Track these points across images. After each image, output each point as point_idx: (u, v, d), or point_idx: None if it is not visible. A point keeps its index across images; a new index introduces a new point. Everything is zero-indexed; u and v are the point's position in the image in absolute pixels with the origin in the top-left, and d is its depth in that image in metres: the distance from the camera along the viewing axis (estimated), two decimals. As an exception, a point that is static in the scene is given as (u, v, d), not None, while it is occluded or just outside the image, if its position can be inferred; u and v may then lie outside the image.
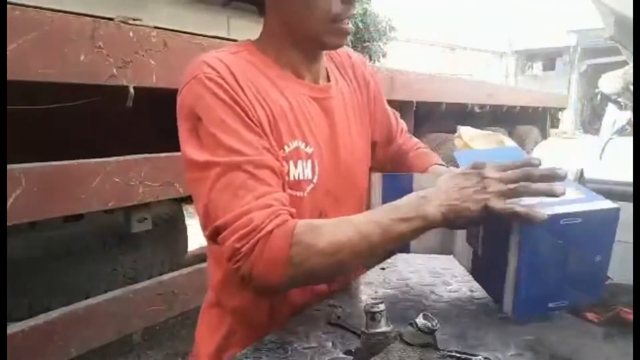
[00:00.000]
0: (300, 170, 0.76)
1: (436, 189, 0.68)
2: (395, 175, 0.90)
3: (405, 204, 0.67)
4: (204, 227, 0.69)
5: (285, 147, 0.74)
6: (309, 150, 0.77)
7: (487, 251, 0.75)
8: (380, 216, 0.67)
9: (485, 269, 0.76)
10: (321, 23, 0.73)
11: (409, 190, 0.73)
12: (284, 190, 0.71)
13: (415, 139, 1.07)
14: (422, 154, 1.02)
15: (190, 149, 0.69)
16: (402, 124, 1.06)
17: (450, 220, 0.66)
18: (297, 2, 0.73)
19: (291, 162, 0.75)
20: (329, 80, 0.86)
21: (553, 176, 0.64)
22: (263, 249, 0.63)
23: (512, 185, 0.64)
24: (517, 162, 0.67)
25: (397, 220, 0.65)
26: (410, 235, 0.67)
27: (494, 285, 0.73)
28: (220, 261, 0.77)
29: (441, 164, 0.98)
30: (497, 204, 0.64)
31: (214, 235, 0.67)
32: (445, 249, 0.86)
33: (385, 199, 0.81)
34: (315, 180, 0.78)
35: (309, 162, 0.77)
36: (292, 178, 0.75)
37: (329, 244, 0.64)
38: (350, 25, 0.76)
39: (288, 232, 0.64)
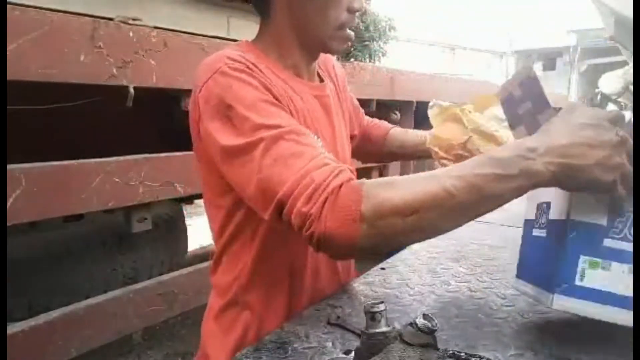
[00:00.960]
0: None
1: (551, 138, 0.55)
2: None
3: (507, 157, 0.55)
4: (264, 209, 0.64)
5: None
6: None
7: None
8: (473, 171, 0.55)
9: None
10: (329, 29, 0.77)
11: None
12: None
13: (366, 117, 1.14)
14: (377, 123, 1.12)
15: (226, 138, 0.67)
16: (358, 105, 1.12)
17: (561, 181, 0.55)
18: (310, 9, 0.77)
19: None
20: (320, 80, 0.89)
21: None
22: (333, 205, 0.58)
23: None
24: None
25: (494, 178, 0.54)
26: (508, 196, 0.55)
27: None
28: (240, 257, 0.78)
29: (395, 127, 1.10)
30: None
31: (277, 212, 0.63)
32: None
33: None
34: None
35: None
36: None
37: (404, 200, 0.56)
38: (352, 33, 0.81)
39: (356, 187, 0.58)
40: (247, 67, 0.70)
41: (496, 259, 0.99)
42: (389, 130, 1.09)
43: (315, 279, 0.82)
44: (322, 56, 0.94)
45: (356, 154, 1.08)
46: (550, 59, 19.03)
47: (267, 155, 0.63)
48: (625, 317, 0.58)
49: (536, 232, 0.73)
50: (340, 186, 0.58)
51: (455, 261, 1.00)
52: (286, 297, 0.80)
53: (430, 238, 0.60)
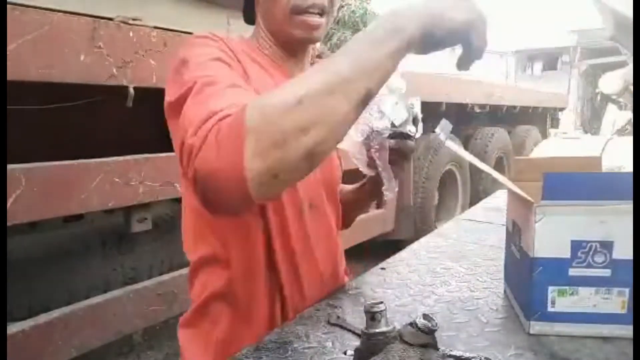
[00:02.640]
0: None
1: (409, 3, 0.55)
2: None
3: (375, 26, 0.54)
4: (180, 159, 0.59)
5: None
6: None
7: None
8: (348, 47, 0.53)
9: None
10: (282, 16, 0.75)
11: None
12: None
13: None
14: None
15: (172, 93, 0.65)
16: None
17: (428, 32, 0.53)
18: (265, 1, 0.77)
19: None
20: None
21: None
22: (217, 131, 0.51)
23: None
24: None
25: (369, 45, 0.52)
26: (389, 63, 0.52)
27: None
28: (214, 259, 0.77)
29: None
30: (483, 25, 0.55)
31: (186, 157, 0.55)
32: None
33: None
34: None
35: None
36: None
37: (289, 92, 0.50)
38: (316, 18, 0.75)
39: (240, 105, 0.51)
40: (218, 38, 0.72)
41: (496, 259, 0.99)
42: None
43: (296, 274, 0.79)
44: None
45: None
46: (550, 59, 19.04)
47: (194, 97, 0.60)
48: (596, 331, 0.65)
49: (513, 249, 0.76)
50: (226, 116, 0.52)
51: (455, 261, 1.00)
52: (267, 289, 0.77)
53: (325, 134, 0.50)
